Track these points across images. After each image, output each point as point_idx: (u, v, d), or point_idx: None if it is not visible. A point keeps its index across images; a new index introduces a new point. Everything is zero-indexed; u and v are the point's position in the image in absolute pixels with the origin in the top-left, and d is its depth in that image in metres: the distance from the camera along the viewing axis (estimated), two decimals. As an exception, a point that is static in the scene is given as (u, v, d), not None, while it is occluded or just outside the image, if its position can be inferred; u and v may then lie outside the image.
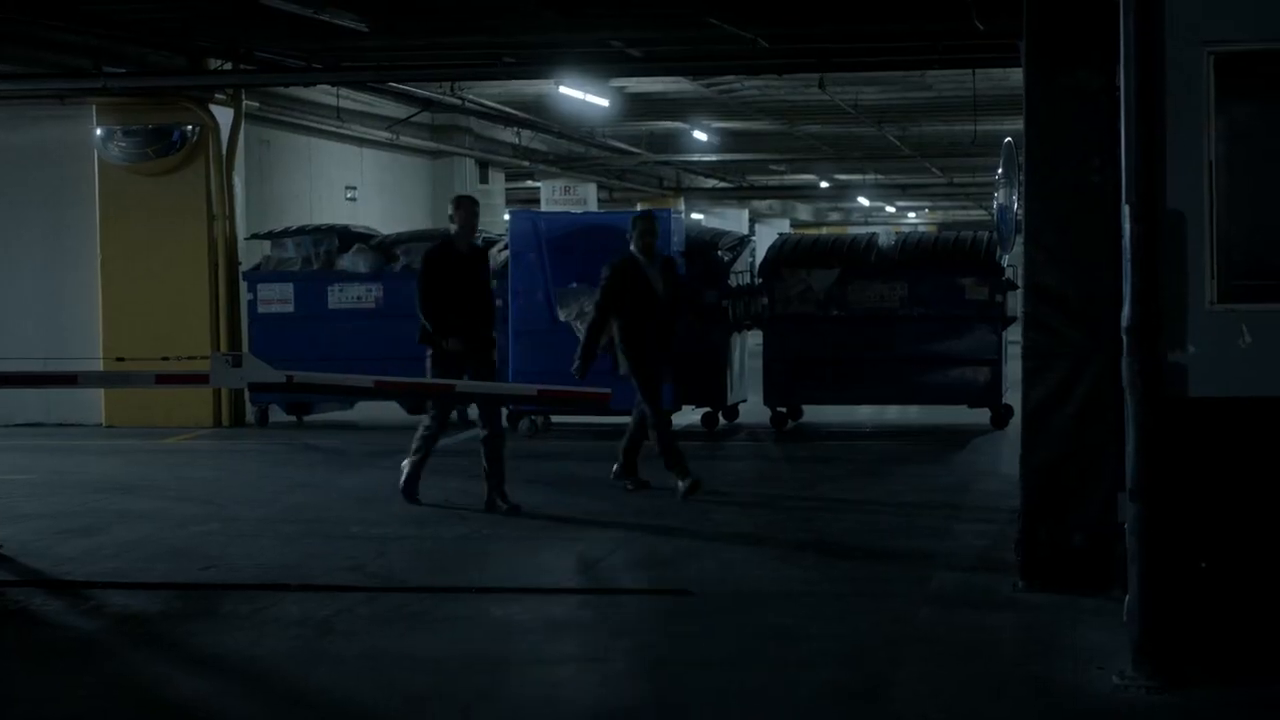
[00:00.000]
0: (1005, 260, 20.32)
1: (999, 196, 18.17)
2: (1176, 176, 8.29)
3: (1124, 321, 8.31)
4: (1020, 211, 11.14)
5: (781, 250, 20.99)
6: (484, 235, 22.53)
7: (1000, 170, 17.93)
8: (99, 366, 20.32)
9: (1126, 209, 8.29)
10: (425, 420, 14.83)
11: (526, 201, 42.40)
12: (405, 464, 14.88)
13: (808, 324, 20.40)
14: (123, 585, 11.35)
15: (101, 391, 21.39)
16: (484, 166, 33.80)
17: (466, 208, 14.73)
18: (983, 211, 60.30)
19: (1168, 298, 8.28)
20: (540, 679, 8.89)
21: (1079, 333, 10.32)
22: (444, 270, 14.44)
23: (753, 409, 21.27)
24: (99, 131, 21.63)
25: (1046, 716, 8.13)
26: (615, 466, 15.61)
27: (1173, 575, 8.33)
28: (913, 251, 20.66)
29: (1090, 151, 10.21)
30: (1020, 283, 10.90)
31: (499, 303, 20.69)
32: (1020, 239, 10.84)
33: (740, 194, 53.41)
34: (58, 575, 11.73)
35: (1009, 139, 17.56)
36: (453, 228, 14.79)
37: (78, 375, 19.11)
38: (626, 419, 15.44)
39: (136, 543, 13.08)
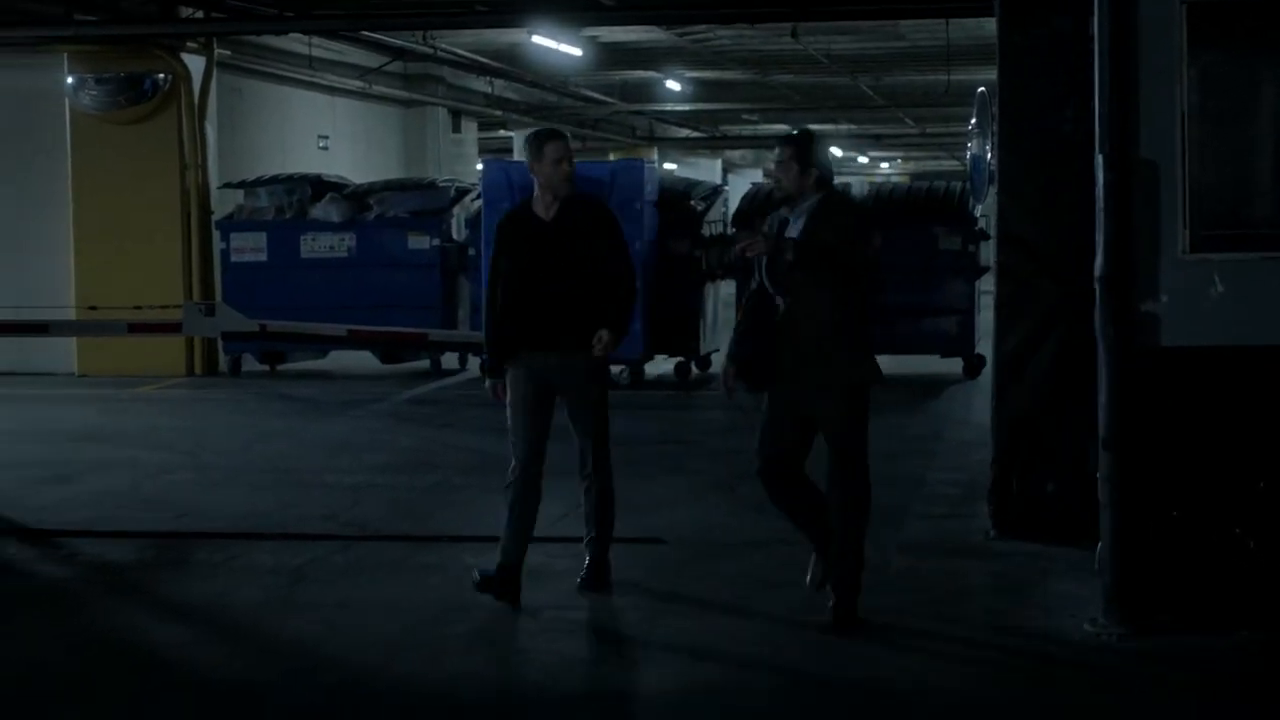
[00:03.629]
0: (978, 210, 20.33)
1: (972, 146, 18.18)
2: (1150, 126, 8.29)
3: (1096, 271, 8.33)
4: (993, 161, 11.12)
5: (755, 200, 20.93)
6: (456, 185, 22.50)
7: (974, 120, 17.94)
8: (71, 315, 20.27)
9: (1100, 158, 8.29)
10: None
11: (499, 151, 42.35)
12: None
13: (781, 273, 20.36)
14: (96, 534, 11.34)
15: (74, 341, 21.31)
16: (456, 116, 33.69)
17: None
18: (956, 162, 60.27)
19: (1140, 247, 8.29)
20: (515, 625, 8.91)
21: (1051, 283, 10.33)
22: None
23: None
24: (70, 80, 21.50)
25: (1018, 661, 8.17)
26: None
27: (1144, 524, 8.37)
28: (885, 202, 20.66)
29: (1064, 101, 10.20)
30: (993, 233, 10.88)
31: (471, 252, 20.72)
32: (993, 189, 10.83)
33: (713, 144, 53.34)
34: (30, 524, 11.71)
35: (982, 89, 17.57)
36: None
37: (49, 324, 19.15)
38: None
39: (109, 492, 13.06)
